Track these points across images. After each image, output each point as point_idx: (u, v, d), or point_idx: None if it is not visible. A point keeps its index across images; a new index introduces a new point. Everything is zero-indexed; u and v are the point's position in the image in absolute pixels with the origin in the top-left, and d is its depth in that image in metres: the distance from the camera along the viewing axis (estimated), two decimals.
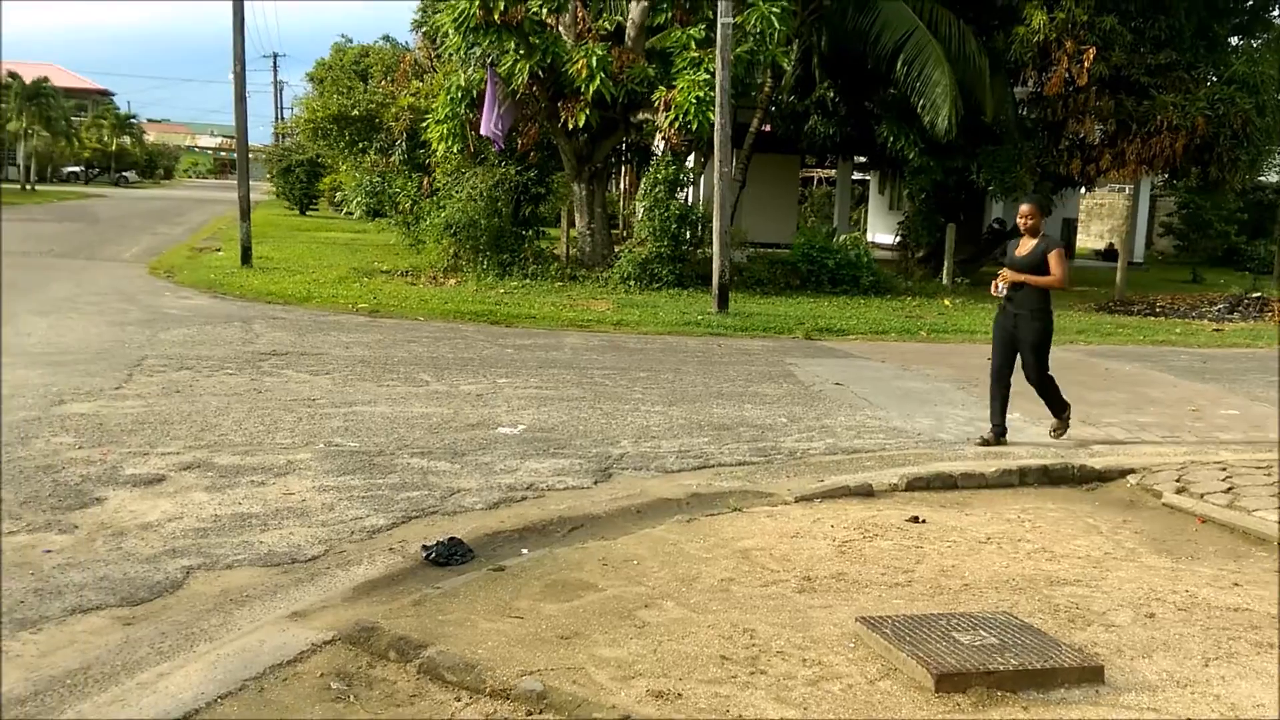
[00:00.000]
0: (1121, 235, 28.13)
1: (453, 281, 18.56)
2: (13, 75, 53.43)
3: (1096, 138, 20.90)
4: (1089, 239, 38.27)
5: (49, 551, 5.23)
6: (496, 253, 19.52)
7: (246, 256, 20.19)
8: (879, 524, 6.08)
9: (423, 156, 23.56)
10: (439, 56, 24.22)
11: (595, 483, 6.90)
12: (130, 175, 73.18)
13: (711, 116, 16.16)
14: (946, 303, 18.50)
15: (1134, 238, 30.03)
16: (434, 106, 20.70)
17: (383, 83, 31.87)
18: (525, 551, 5.49)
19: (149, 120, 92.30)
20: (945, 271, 21.12)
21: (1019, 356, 8.15)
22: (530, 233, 20.91)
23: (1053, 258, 7.77)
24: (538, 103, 18.98)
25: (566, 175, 20.73)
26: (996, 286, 8.01)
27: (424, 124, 21.40)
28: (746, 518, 6.17)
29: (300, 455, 7.17)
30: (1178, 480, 7.06)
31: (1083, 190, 31.41)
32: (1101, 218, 39.03)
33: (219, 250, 23.17)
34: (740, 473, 7.31)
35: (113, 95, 79.16)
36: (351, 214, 34.89)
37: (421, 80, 25.81)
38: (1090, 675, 4.05)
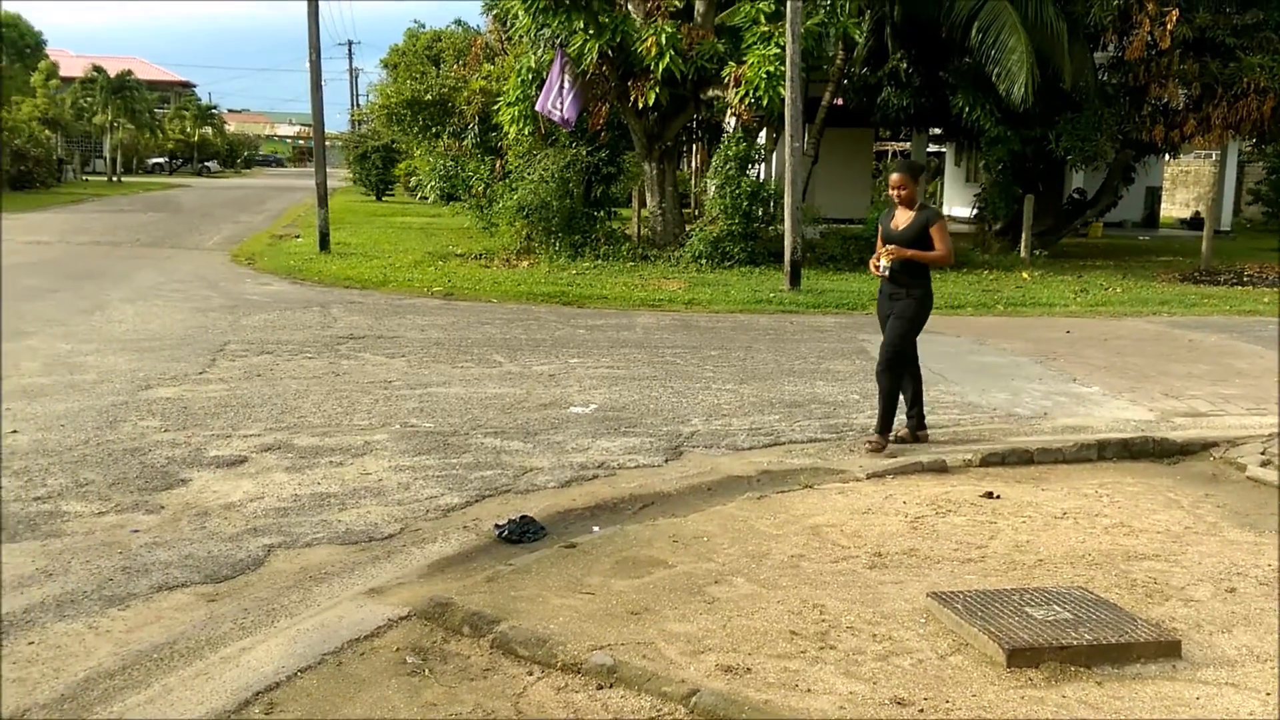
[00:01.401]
0: (1208, 203, 27.34)
1: (526, 263, 18.69)
2: (98, 69, 54.90)
3: (1180, 102, 20.29)
4: (1174, 207, 37.28)
5: (136, 531, 5.41)
6: (568, 234, 19.61)
7: (325, 242, 20.56)
8: (952, 500, 6.02)
9: (495, 139, 23.71)
10: (509, 39, 24.31)
11: (666, 461, 6.93)
12: (212, 165, 74.79)
13: (782, 91, 16.01)
14: (1025, 275, 18.17)
15: (1220, 205, 29.17)
16: (505, 89, 20.82)
17: (455, 67, 32.13)
18: (596, 529, 5.54)
19: (229, 110, 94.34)
20: (1023, 244, 20.73)
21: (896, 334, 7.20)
22: (602, 213, 20.96)
23: (935, 231, 6.96)
24: (608, 82, 18.99)
25: (637, 154, 20.73)
26: (875, 265, 7.13)
27: (495, 107, 21.54)
28: (818, 494, 6.16)
29: (377, 436, 7.31)
30: (1263, 453, 6.87)
31: (1167, 158, 30.58)
32: (1187, 185, 37.98)
33: (298, 237, 23.60)
34: (812, 450, 7.29)
35: (194, 86, 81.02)
36: (426, 198, 35.28)
37: (493, 63, 25.95)
38: (1167, 650, 3.99)
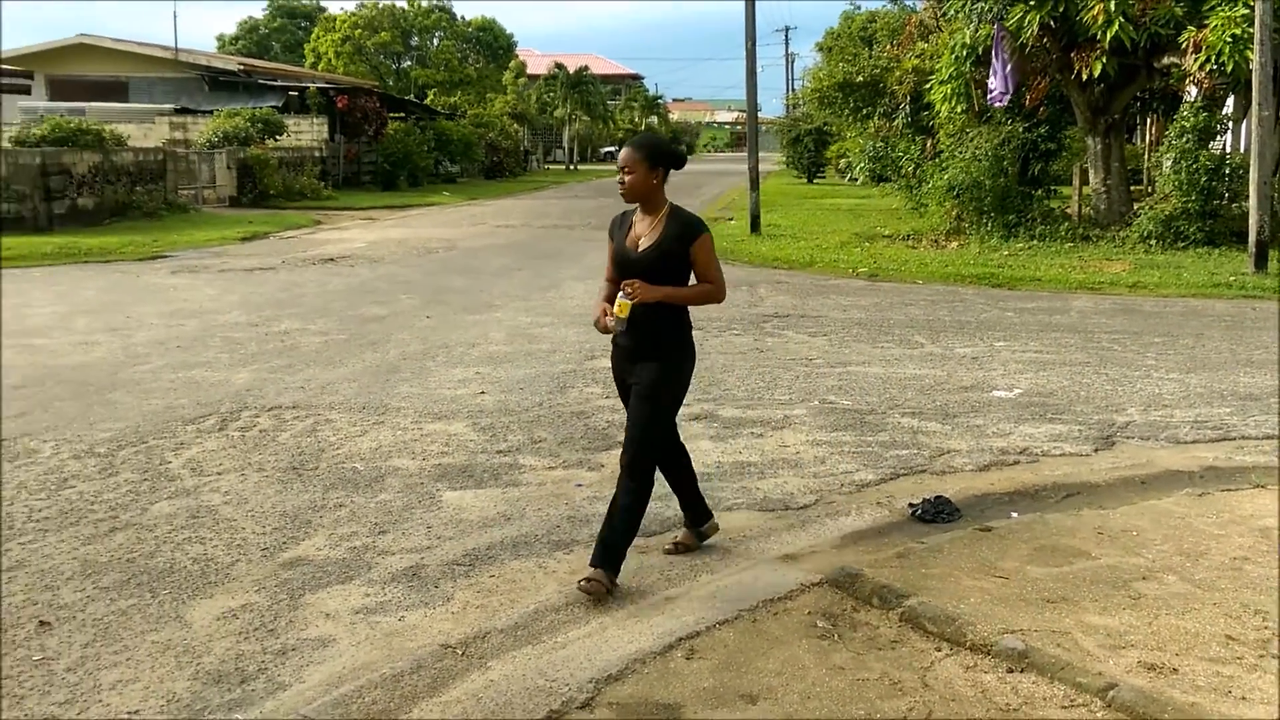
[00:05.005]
0: None
1: (955, 244, 18.27)
2: (559, 66, 59.98)
3: None
4: None
5: (580, 485, 5.98)
6: (1001, 214, 18.92)
7: (755, 224, 21.25)
8: None
9: (926, 119, 23.32)
10: (944, 15, 23.75)
11: (1095, 450, 6.59)
12: None
13: (1250, 55, 14.48)
14: None
15: None
16: (938, 67, 20.40)
17: (888, 47, 31.82)
18: (1014, 514, 5.41)
19: (673, 100, 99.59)
20: None
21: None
22: (1039, 192, 20.05)
23: (699, 249, 4.64)
24: (1048, 54, 18.08)
25: (1080, 129, 19.61)
26: (604, 317, 4.65)
27: (927, 86, 21.17)
28: (1270, 495, 5.62)
29: (796, 411, 7.54)
30: None
31: None
32: None
33: (731, 219, 24.53)
34: (1268, 447, 6.63)
35: (642, 78, 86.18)
36: (855, 180, 35.32)
37: (927, 41, 25.46)
38: None
